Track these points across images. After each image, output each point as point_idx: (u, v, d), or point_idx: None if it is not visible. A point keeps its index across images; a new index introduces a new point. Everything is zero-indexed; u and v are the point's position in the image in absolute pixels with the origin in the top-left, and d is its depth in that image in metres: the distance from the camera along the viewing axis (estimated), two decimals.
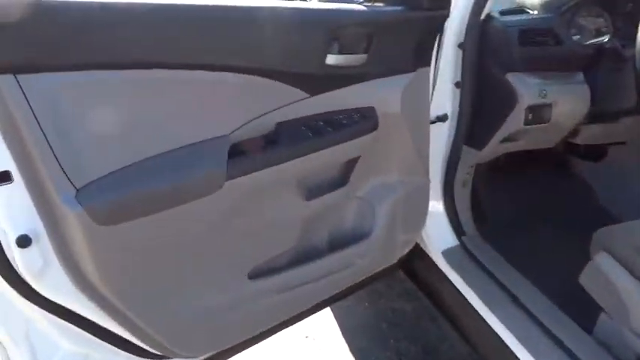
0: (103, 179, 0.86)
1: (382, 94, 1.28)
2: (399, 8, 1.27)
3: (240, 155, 1.04)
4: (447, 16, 1.36)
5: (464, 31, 1.48)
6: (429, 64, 1.39)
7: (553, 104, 1.47)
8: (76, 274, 0.92)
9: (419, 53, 1.33)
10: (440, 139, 1.62)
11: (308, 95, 1.16)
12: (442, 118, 1.58)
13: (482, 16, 1.46)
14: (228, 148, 1.01)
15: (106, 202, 0.86)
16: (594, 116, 1.54)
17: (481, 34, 1.46)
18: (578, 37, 1.54)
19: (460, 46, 1.50)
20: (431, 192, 1.66)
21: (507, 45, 1.42)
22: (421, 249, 1.76)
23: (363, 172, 1.35)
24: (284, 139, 1.10)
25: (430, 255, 1.73)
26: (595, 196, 2.06)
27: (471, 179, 1.80)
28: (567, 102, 1.48)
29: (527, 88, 1.44)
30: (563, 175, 2.18)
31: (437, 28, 1.35)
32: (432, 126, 1.56)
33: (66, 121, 0.82)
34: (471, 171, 1.78)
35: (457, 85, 1.54)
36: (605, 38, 1.56)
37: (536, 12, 1.50)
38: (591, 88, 1.51)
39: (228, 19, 0.96)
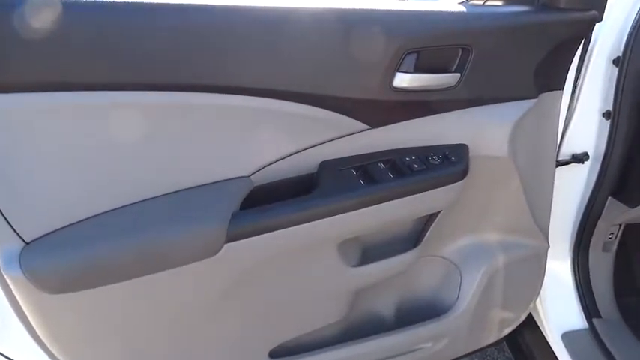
0: (56, 234, 0.66)
1: (481, 129, 0.92)
2: (518, 9, 0.90)
3: (257, 206, 0.78)
4: (599, 19, 0.94)
5: (623, 42, 1.03)
6: (561, 87, 0.98)
7: None
8: (35, 337, 0.75)
9: (546, 72, 0.93)
10: (575, 186, 1.19)
11: (367, 127, 0.85)
12: (580, 159, 1.14)
13: None
14: (238, 196, 0.76)
15: (56, 265, 0.66)
16: None
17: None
18: None
19: (615, 62, 1.05)
20: (558, 255, 1.25)
21: None
22: (535, 324, 1.33)
23: (446, 230, 1.00)
24: (326, 186, 0.81)
25: (546, 336, 1.29)
26: None
27: (615, 243, 1.31)
28: None
29: None
30: None
31: (580, 37, 0.94)
32: (564, 168, 1.14)
33: (11, 152, 0.63)
34: (617, 232, 1.30)
35: (606, 115, 1.10)
36: None
37: None
38: None
39: (241, 23, 0.70)
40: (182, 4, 0.67)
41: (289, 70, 0.75)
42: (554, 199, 1.19)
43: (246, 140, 0.77)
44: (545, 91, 0.95)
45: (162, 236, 0.70)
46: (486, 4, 0.96)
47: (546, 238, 1.10)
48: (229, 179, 0.77)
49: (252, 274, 0.79)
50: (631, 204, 1.14)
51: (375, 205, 0.82)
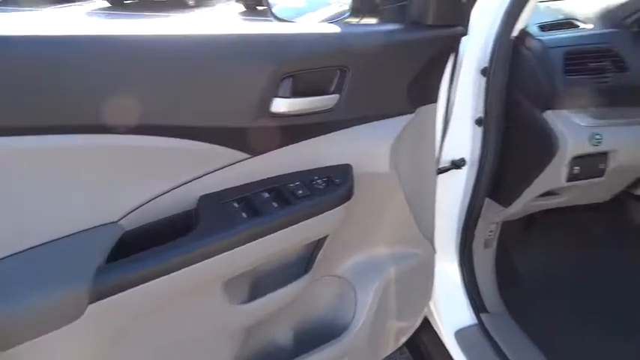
0: None
1: (363, 147, 0.91)
2: (390, 27, 0.90)
3: (131, 254, 0.69)
4: (465, 33, 0.98)
5: (488, 54, 1.08)
6: (435, 100, 1.01)
7: (610, 153, 1.06)
8: None
9: (421, 87, 0.95)
10: (455, 190, 1.23)
11: (247, 156, 0.80)
12: (458, 164, 1.19)
13: (515, 33, 1.05)
14: (105, 245, 0.67)
15: None
16: None
17: (512, 58, 1.06)
18: None
19: (483, 72, 1.10)
20: (445, 257, 1.29)
21: (548, 73, 1.01)
22: (431, 325, 1.38)
23: (337, 250, 0.99)
24: (206, 223, 0.75)
25: (440, 335, 1.34)
26: None
27: (495, 239, 1.40)
28: (631, 149, 1.06)
29: (572, 133, 1.03)
30: (624, 227, 1.73)
31: (449, 52, 0.96)
32: (445, 175, 1.18)
33: None
34: (496, 229, 1.38)
35: (479, 122, 1.15)
36: None
37: (590, 25, 1.08)
38: None
39: (90, 55, 0.62)
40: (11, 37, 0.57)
41: (154, 103, 0.68)
42: (438, 205, 1.23)
43: (111, 182, 0.69)
44: (421, 105, 0.97)
45: (12, 305, 0.59)
46: (360, 22, 0.95)
47: (433, 244, 1.14)
48: (94, 227, 0.68)
49: (130, 330, 0.71)
50: (505, 203, 1.21)
51: (260, 238, 0.78)
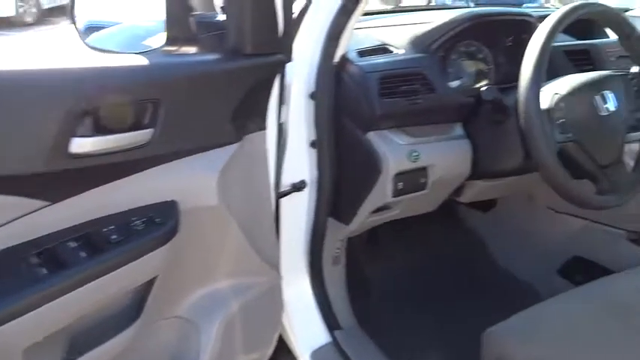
0: None
1: (188, 181, 0.87)
2: (207, 57, 0.88)
3: None
4: (288, 60, 0.99)
5: (314, 78, 1.12)
6: (264, 127, 1.01)
7: (429, 168, 1.15)
8: None
9: (245, 115, 0.94)
10: (299, 212, 1.25)
11: (47, 203, 0.72)
12: (299, 187, 1.20)
13: (337, 59, 1.10)
14: None
15: None
16: (478, 175, 1.24)
17: (336, 83, 1.11)
18: (456, 82, 1.23)
19: (312, 96, 1.13)
20: (297, 278, 1.30)
21: (366, 96, 1.07)
22: (289, 350, 1.37)
23: (172, 289, 0.93)
24: None
25: (297, 358, 1.34)
26: (492, 256, 1.80)
27: (343, 255, 1.45)
28: (446, 163, 1.16)
29: (393, 152, 1.10)
30: (455, 230, 1.90)
31: (271, 79, 0.97)
32: (288, 198, 1.19)
33: None
34: (343, 245, 1.43)
35: (313, 144, 1.18)
36: (486, 82, 1.28)
37: (403, 51, 1.17)
38: (472, 142, 1.20)
39: None
40: None
41: None
42: (285, 228, 1.23)
43: None
44: (248, 134, 0.96)
45: None
46: (176, 52, 0.92)
47: (278, 270, 1.13)
48: None
49: None
50: (345, 221, 1.25)
51: (68, 293, 0.70)
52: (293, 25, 1.11)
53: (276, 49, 0.94)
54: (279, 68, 0.98)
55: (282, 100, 1.10)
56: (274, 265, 1.12)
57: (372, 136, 1.10)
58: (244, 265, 1.04)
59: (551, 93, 1.00)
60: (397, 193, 1.12)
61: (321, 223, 1.26)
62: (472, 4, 2.20)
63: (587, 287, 1.17)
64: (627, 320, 1.05)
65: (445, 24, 1.19)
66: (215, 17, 0.98)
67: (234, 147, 0.93)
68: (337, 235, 1.32)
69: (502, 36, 1.25)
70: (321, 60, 1.09)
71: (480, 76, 1.27)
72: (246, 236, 1.01)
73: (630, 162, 1.11)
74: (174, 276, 0.91)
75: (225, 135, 0.91)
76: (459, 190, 1.37)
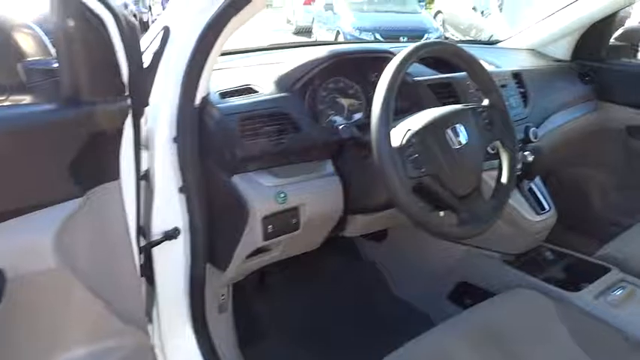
0: None
1: (17, 245, 0.79)
2: (36, 108, 0.81)
3: None
4: (142, 104, 0.94)
5: (175, 122, 1.07)
6: (116, 176, 0.94)
7: (300, 208, 1.14)
8: None
9: (88, 168, 0.87)
10: (176, 261, 1.18)
11: None
12: (172, 235, 1.14)
13: (197, 101, 1.07)
14: None
15: None
16: (352, 211, 1.24)
17: (199, 125, 1.07)
18: (331, 118, 1.23)
19: (175, 140, 1.09)
20: (179, 332, 1.22)
21: (227, 139, 1.04)
22: None
23: None
24: None
25: None
26: (389, 285, 1.81)
27: (229, 302, 1.39)
28: (317, 201, 1.15)
29: (259, 195, 1.07)
30: (354, 262, 1.91)
31: (118, 126, 0.91)
32: (163, 247, 1.12)
33: None
34: (228, 292, 1.37)
35: (181, 190, 1.12)
36: (358, 115, 1.30)
37: (267, 91, 1.16)
38: (342, 179, 1.18)
39: None
40: None
41: None
42: (161, 279, 1.16)
43: None
44: (95, 186, 0.90)
45: None
46: (3, 104, 0.84)
47: (144, 327, 1.05)
48: None
49: None
50: (222, 267, 1.20)
51: None
52: (149, 66, 1.07)
53: (121, 94, 0.89)
54: (128, 113, 0.93)
55: (138, 146, 1.05)
56: (140, 324, 1.04)
57: (237, 180, 1.06)
58: (102, 329, 0.96)
59: (405, 129, 1.02)
60: (268, 236, 1.09)
61: (199, 270, 1.20)
62: (378, 36, 2.26)
63: (462, 317, 1.20)
64: (503, 347, 1.07)
65: (307, 63, 1.20)
66: (50, 63, 0.91)
67: (75, 203, 0.86)
68: (219, 282, 1.27)
69: (368, 71, 1.28)
70: (181, 103, 1.05)
71: (353, 111, 1.29)
72: (101, 297, 0.93)
73: (489, 191, 1.15)
74: (13, 351, 0.81)
75: (62, 190, 0.84)
76: (341, 225, 1.37)
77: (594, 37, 1.99)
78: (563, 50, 2.04)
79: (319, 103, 1.28)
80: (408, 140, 1.00)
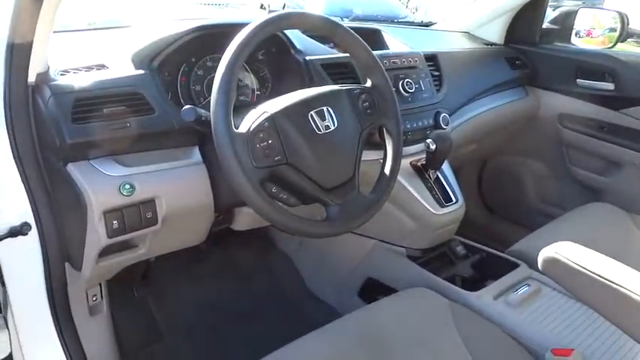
0: None
1: None
2: None
3: None
4: None
5: (2, 104, 0.94)
6: None
7: (155, 200, 1.00)
8: None
9: None
10: (30, 260, 1.05)
11: None
12: (19, 231, 1.00)
13: (32, 78, 0.93)
14: None
15: None
16: (224, 205, 1.12)
17: (33, 107, 0.94)
18: (208, 97, 1.11)
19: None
20: (44, 336, 1.09)
21: (55, 123, 0.90)
22: None
23: None
24: None
25: None
26: (301, 279, 1.71)
27: (105, 302, 1.26)
28: (177, 194, 1.02)
29: (96, 185, 0.93)
30: (268, 253, 1.80)
31: None
32: (11, 245, 0.99)
33: None
34: (102, 292, 1.25)
35: (22, 181, 0.99)
36: (242, 99, 1.18)
37: (117, 68, 1.02)
38: (209, 168, 1.05)
39: None
40: None
41: None
42: (12, 280, 1.03)
43: None
44: None
45: None
46: None
47: None
48: None
49: None
50: (77, 266, 1.08)
51: None
52: None
53: None
54: None
55: None
56: None
57: (72, 169, 0.93)
58: None
59: (259, 113, 0.90)
60: (114, 232, 0.97)
61: (55, 270, 1.07)
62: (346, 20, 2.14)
63: (350, 317, 1.10)
64: (382, 352, 0.97)
65: (165, 38, 1.06)
66: None
67: None
68: (80, 282, 1.14)
69: None
70: (7, 79, 0.91)
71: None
72: None
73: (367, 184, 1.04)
74: None
75: None
76: (227, 218, 1.25)
77: (526, 20, 1.90)
78: (495, 33, 1.94)
79: (194, 83, 1.15)
80: (260, 124, 0.88)
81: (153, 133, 0.99)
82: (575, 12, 1.86)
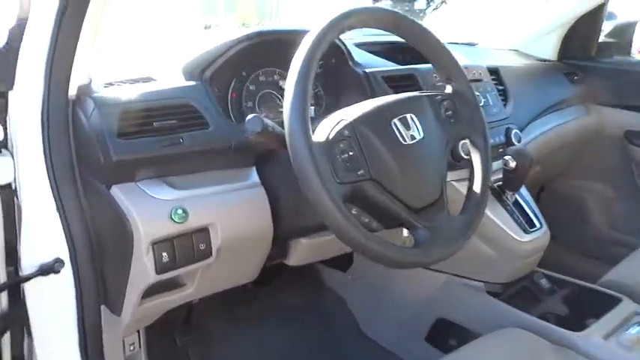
0: None
1: None
2: None
3: None
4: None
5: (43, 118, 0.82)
6: None
7: (210, 228, 0.86)
8: None
9: None
10: (63, 302, 0.90)
11: None
12: (51, 268, 0.86)
13: (73, 91, 0.81)
14: None
15: None
16: (287, 233, 0.97)
17: (73, 122, 0.81)
18: (260, 114, 0.99)
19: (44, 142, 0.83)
20: None
21: (99, 138, 0.77)
22: None
23: None
24: None
25: None
26: (354, 320, 1.52)
27: (143, 352, 1.10)
28: (235, 219, 0.88)
29: (145, 211, 0.79)
30: (316, 292, 1.62)
31: None
32: (37, 284, 0.85)
33: None
34: (138, 339, 1.08)
35: (58, 209, 0.86)
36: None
37: (166, 79, 0.90)
38: (269, 191, 0.91)
39: None
40: None
41: None
42: (40, 325, 0.89)
43: None
44: None
45: None
46: None
47: None
48: None
49: None
50: (116, 310, 0.92)
51: None
52: (11, 41, 0.82)
53: None
54: None
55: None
56: None
57: (117, 192, 0.79)
58: None
59: (335, 120, 0.77)
60: (163, 267, 0.82)
61: (90, 315, 0.92)
62: None
63: None
64: None
65: (218, 46, 0.94)
66: None
67: None
68: (118, 328, 0.98)
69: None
70: (47, 92, 0.80)
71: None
72: None
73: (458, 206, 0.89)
74: None
75: None
76: (281, 251, 1.09)
77: (581, 33, 1.78)
78: (548, 49, 1.82)
79: (246, 99, 1.03)
80: (339, 133, 0.75)
81: (207, 150, 0.86)
82: (634, 24, 1.75)
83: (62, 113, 0.81)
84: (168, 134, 0.82)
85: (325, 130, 0.75)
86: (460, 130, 0.90)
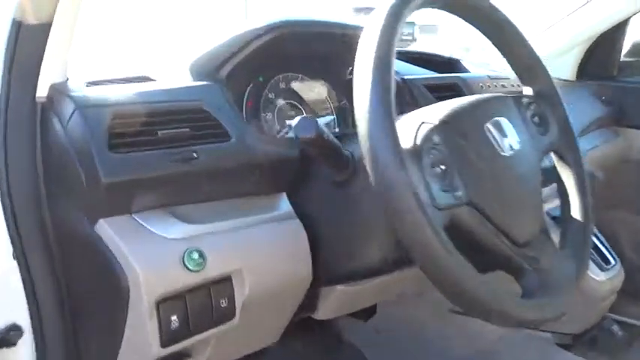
0: None
1: None
2: None
3: None
4: None
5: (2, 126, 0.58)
6: None
7: (233, 277, 0.62)
8: None
9: None
10: None
11: None
12: (4, 339, 0.61)
13: (42, 92, 0.58)
14: None
15: None
16: (328, 278, 0.75)
17: (41, 131, 0.58)
18: (285, 128, 0.79)
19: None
20: None
21: (84, 150, 0.54)
22: None
23: None
24: None
25: None
26: None
27: None
28: (266, 264, 0.65)
29: (147, 255, 0.55)
30: (333, 345, 1.37)
31: None
32: None
33: None
34: None
35: (15, 256, 0.61)
36: (327, 120, 0.84)
37: (173, 79, 0.69)
38: (306, 224, 0.69)
39: None
40: None
41: None
42: None
43: None
44: None
45: None
46: None
47: None
48: None
49: None
50: None
51: None
52: None
53: None
54: None
55: None
56: None
57: (104, 228, 0.55)
58: None
59: (416, 123, 0.56)
60: (173, 336, 0.57)
61: None
62: None
63: None
64: None
65: (237, 37, 0.73)
66: None
67: None
68: None
69: (338, 61, 0.84)
70: (7, 92, 0.57)
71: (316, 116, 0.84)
72: None
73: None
74: None
75: None
76: (310, 302, 0.85)
77: (602, 52, 1.66)
78: (566, 69, 1.70)
79: (264, 109, 0.82)
80: (427, 139, 0.54)
81: (229, 169, 0.63)
82: None
83: (26, 120, 0.58)
84: (178, 147, 0.59)
85: (407, 135, 0.54)
86: (552, 140, 0.71)
